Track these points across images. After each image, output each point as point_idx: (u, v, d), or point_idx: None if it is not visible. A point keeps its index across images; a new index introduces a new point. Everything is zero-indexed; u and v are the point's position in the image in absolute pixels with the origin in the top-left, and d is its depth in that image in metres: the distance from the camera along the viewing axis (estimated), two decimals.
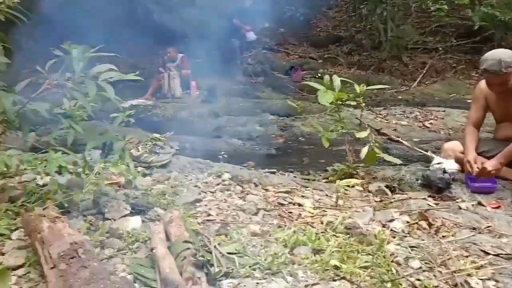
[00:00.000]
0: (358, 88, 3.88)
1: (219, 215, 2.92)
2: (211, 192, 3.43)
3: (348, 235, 2.59)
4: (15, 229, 2.34)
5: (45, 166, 3.61)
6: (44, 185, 3.07)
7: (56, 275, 1.70)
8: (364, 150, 3.70)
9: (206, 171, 3.98)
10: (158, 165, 3.95)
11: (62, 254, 1.77)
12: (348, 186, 3.66)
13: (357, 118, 4.35)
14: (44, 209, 2.23)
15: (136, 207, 2.83)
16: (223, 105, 7.40)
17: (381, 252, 2.36)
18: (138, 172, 3.47)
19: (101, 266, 1.79)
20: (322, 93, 3.70)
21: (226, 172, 3.92)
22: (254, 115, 6.82)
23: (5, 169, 3.28)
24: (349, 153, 4.01)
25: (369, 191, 3.61)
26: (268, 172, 4.15)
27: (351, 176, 3.87)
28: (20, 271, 1.99)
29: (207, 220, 2.82)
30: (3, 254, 2.13)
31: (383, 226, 2.85)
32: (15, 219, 2.43)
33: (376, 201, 3.38)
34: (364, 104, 4.00)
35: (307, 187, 3.70)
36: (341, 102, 3.88)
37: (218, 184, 3.62)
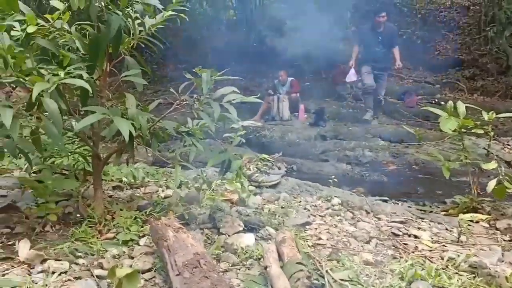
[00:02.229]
0: (486, 116, 3.61)
1: (330, 240, 2.89)
2: (320, 216, 3.43)
3: (474, 275, 2.39)
4: (143, 236, 2.57)
5: (166, 180, 3.94)
6: (165, 197, 3.33)
7: (181, 282, 1.82)
8: (492, 183, 3.39)
9: (315, 194, 3.99)
10: (268, 185, 4.06)
11: (186, 263, 1.90)
12: (471, 221, 3.39)
13: (484, 148, 4.02)
14: (168, 219, 2.40)
15: (249, 225, 2.93)
16: (331, 129, 7.36)
17: None
18: (250, 191, 3.61)
19: (221, 278, 1.88)
20: (444, 120, 3.50)
21: (336, 196, 3.89)
22: (363, 140, 6.67)
23: (132, 180, 3.65)
24: (473, 185, 3.71)
25: (497, 229, 3.29)
26: (380, 199, 4.02)
27: (475, 210, 3.58)
28: (147, 275, 2.17)
29: (317, 244, 2.81)
30: (132, 258, 2.34)
31: None
32: (142, 227, 2.66)
33: (505, 240, 3.07)
34: (492, 133, 3.71)
35: (423, 219, 3.51)
36: (465, 130, 3.65)
37: (327, 209, 3.61)
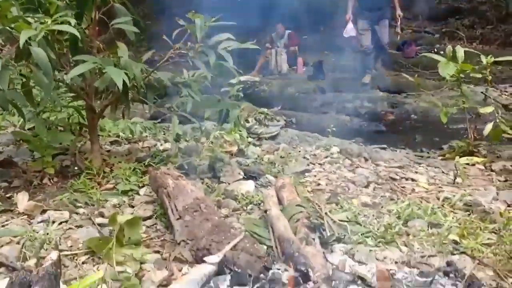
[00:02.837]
0: (485, 60, 3.55)
1: (328, 185, 2.91)
2: (319, 164, 3.44)
3: (468, 212, 2.44)
4: (142, 186, 2.58)
5: (164, 134, 3.92)
6: (164, 150, 3.33)
7: (182, 225, 1.84)
8: (489, 127, 3.39)
9: (314, 144, 3.99)
10: (267, 136, 4.05)
11: (186, 207, 1.91)
12: (468, 164, 3.41)
13: (482, 93, 3.99)
14: (167, 169, 2.41)
15: (249, 174, 2.94)
16: (330, 81, 7.28)
17: (507, 231, 2.17)
18: (249, 142, 3.60)
19: (222, 220, 1.90)
20: (443, 65, 3.45)
21: (335, 145, 3.89)
22: (362, 92, 6.61)
23: (130, 135, 3.63)
24: (470, 129, 3.71)
25: (492, 170, 3.32)
26: (378, 147, 4.03)
27: (471, 154, 3.59)
28: (148, 222, 2.19)
29: (316, 189, 2.83)
30: (132, 207, 2.36)
31: (509, 206, 2.62)
32: (141, 177, 2.66)
33: (500, 181, 3.10)
34: (490, 77, 3.67)
35: (420, 164, 3.53)
36: (463, 76, 3.61)
37: (326, 157, 3.61)
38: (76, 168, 2.63)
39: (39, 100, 2.75)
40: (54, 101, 2.35)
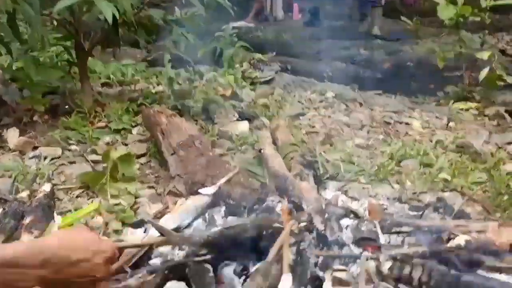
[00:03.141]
0: (484, 2, 3.46)
1: (323, 128, 2.91)
2: (314, 108, 3.42)
3: (460, 154, 2.46)
4: (135, 125, 2.55)
5: (157, 77, 3.83)
6: (157, 93, 3.27)
7: (176, 160, 1.83)
8: (485, 71, 3.35)
9: (309, 89, 3.95)
10: (262, 81, 3.99)
11: (181, 143, 1.90)
12: (461, 109, 3.42)
13: (479, 37, 3.92)
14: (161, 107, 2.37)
15: (243, 116, 2.91)
16: (326, 28, 7.11)
17: (497, 170, 2.20)
18: (244, 85, 3.55)
19: (216, 156, 1.89)
20: (442, 7, 3.37)
21: (330, 91, 3.86)
22: (358, 39, 6.47)
23: (121, 78, 3.55)
24: (466, 75, 3.69)
25: (485, 115, 3.33)
26: (374, 93, 4.00)
27: (465, 99, 3.59)
28: (142, 160, 2.19)
29: (311, 131, 2.82)
30: (126, 145, 2.34)
31: (500, 148, 2.65)
32: (134, 117, 2.63)
33: (493, 125, 3.12)
34: (489, 20, 3.60)
35: (415, 109, 3.52)
36: (462, 20, 3.54)
37: (321, 102, 3.59)
38: (66, 107, 2.58)
39: (26, 38, 2.65)
40: (43, 36, 2.25)
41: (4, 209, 1.49)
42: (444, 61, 3.53)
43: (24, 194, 1.58)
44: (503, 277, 1.22)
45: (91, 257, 1.07)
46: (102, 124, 2.46)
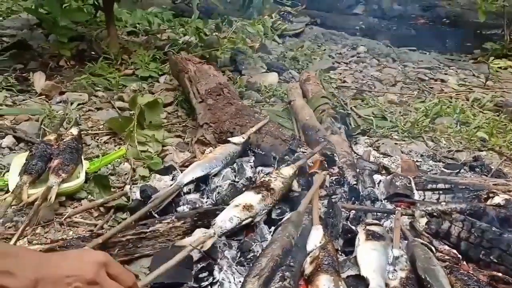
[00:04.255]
0: None
1: (354, 83, 2.80)
2: (345, 63, 3.30)
3: (498, 113, 2.35)
4: (162, 74, 2.49)
5: (184, 27, 3.73)
6: (184, 43, 3.19)
7: (204, 108, 1.78)
8: None
9: (340, 43, 3.80)
10: (292, 33, 3.86)
11: (209, 91, 1.84)
12: (500, 67, 3.25)
13: None
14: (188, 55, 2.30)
15: (272, 68, 2.82)
16: None
17: None
18: (273, 37, 3.43)
19: (245, 105, 1.83)
20: None
21: (362, 45, 3.71)
22: None
23: (147, 27, 3.46)
24: (507, 31, 3.47)
25: None
26: (407, 49, 3.82)
27: (505, 57, 3.41)
28: (169, 109, 2.14)
29: (342, 86, 2.72)
30: (152, 93, 2.29)
31: None
32: (161, 65, 2.57)
33: None
34: None
35: (450, 66, 3.36)
36: None
37: (353, 56, 3.45)
38: (93, 53, 2.54)
39: None
40: None
41: (31, 151, 1.47)
42: (485, 14, 3.31)
43: (51, 137, 1.56)
44: None
45: None
46: (128, 71, 2.41)
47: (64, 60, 2.39)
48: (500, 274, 1.06)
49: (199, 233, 1.12)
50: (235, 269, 1.07)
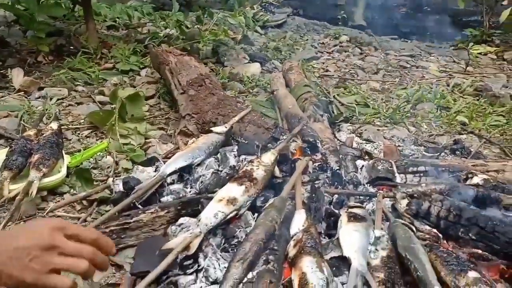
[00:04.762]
0: None
1: (337, 72, 2.82)
2: (327, 52, 3.31)
3: (478, 97, 2.39)
4: (143, 67, 2.48)
5: (164, 20, 3.70)
6: (165, 36, 3.16)
7: (186, 99, 1.77)
8: (505, 13, 3.18)
9: (322, 32, 3.82)
10: (274, 24, 3.86)
11: (190, 82, 1.83)
12: (480, 53, 3.30)
13: None
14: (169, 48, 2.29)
15: (254, 58, 2.82)
16: None
17: None
18: (255, 27, 3.42)
19: (227, 94, 1.83)
20: None
21: (344, 35, 3.73)
22: None
23: (127, 21, 3.43)
24: (485, 16, 3.52)
25: (504, 60, 3.22)
26: (389, 38, 3.85)
27: (484, 42, 3.46)
28: (151, 102, 2.13)
29: (324, 75, 2.74)
30: (134, 87, 2.27)
31: None
32: (142, 58, 2.55)
33: (511, 70, 3.01)
34: None
35: (431, 53, 3.40)
36: None
37: (335, 45, 3.47)
38: (71, 47, 2.51)
39: None
40: None
41: (11, 146, 1.46)
42: (464, 1, 3.35)
43: (31, 133, 1.54)
44: None
45: None
46: (109, 65, 2.39)
47: (43, 55, 2.36)
48: (479, 251, 1.08)
49: (184, 234, 1.09)
50: (220, 255, 1.07)
